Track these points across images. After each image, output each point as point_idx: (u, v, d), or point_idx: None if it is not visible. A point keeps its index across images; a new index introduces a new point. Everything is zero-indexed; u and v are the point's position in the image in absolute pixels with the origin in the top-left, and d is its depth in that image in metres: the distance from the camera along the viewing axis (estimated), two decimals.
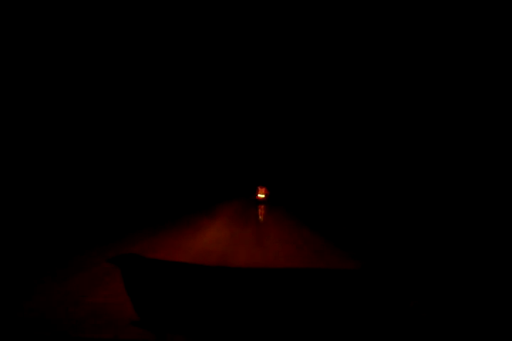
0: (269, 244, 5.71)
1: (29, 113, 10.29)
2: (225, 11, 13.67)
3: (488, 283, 3.59)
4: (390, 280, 3.44)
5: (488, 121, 6.60)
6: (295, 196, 18.57)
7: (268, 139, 28.13)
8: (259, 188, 10.46)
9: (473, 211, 6.41)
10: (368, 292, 3.06)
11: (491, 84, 6.56)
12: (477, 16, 6.75)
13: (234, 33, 15.12)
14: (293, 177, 22.95)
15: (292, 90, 19.45)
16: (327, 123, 15.89)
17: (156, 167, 17.46)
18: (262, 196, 10.38)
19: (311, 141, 19.04)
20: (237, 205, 12.93)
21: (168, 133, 19.20)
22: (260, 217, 9.62)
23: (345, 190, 13.12)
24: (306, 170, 20.48)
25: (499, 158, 6.33)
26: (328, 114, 15.59)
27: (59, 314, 2.77)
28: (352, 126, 13.03)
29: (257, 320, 2.48)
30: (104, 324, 2.58)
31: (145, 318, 2.54)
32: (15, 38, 9.87)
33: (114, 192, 12.69)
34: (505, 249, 4.79)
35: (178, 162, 20.74)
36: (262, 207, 10.49)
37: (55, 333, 2.39)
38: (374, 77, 11.41)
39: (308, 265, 4.32)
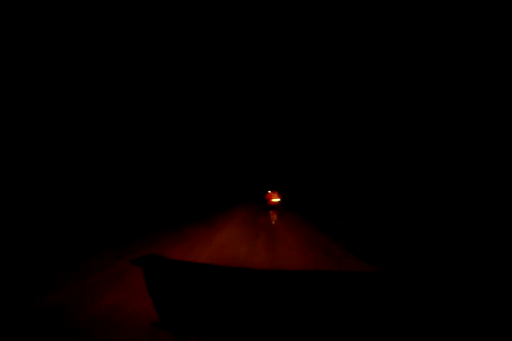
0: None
1: (29, 113, 10.32)
2: (225, 11, 13.78)
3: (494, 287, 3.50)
4: (409, 283, 3.54)
5: (488, 121, 6.54)
6: (307, 200, 18.33)
7: (277, 143, 28.13)
8: (271, 193, 10.16)
9: (475, 212, 6.25)
10: (389, 294, 3.17)
11: (491, 84, 6.52)
12: (477, 16, 6.75)
13: (234, 33, 15.21)
14: (303, 180, 22.75)
15: (298, 92, 19.47)
16: (334, 124, 15.79)
17: (166, 172, 17.60)
18: (276, 200, 10.12)
19: (319, 142, 18.91)
20: (246, 212, 12.91)
21: (178, 137, 19.35)
22: (273, 222, 9.38)
23: (354, 190, 13.03)
24: (314, 172, 20.31)
25: (499, 158, 6.26)
26: (335, 116, 15.51)
27: (76, 313, 2.75)
28: (359, 126, 12.92)
29: (278, 321, 2.56)
30: (119, 324, 2.54)
31: (166, 319, 2.53)
32: (15, 38, 9.95)
33: (118, 194, 12.81)
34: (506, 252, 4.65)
35: (186, 166, 20.88)
36: (274, 214, 10.16)
37: (68, 332, 2.39)
38: (374, 77, 11.32)
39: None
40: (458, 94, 7.44)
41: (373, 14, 10.37)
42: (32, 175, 9.66)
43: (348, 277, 3.74)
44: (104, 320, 2.59)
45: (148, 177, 16.09)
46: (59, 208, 9.58)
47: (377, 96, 11.28)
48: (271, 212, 10.14)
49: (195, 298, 2.98)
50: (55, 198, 9.90)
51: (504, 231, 5.15)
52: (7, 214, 7.73)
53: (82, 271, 4.00)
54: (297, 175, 23.84)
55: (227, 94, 22.29)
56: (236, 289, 3.27)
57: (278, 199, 9.91)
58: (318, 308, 2.78)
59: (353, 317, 2.64)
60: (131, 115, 14.54)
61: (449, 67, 7.74)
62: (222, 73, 19.98)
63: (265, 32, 14.88)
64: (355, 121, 13.17)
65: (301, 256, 4.75)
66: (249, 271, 3.93)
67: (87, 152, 12.08)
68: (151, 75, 16.18)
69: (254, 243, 5.93)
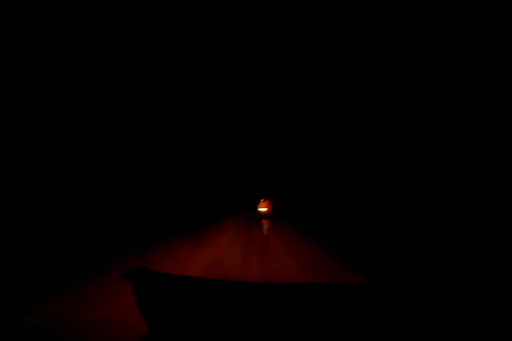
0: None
1: (29, 113, 10.15)
2: (225, 11, 13.79)
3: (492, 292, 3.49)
4: (401, 295, 3.53)
5: (488, 121, 6.56)
6: (300, 209, 17.91)
7: (270, 151, 28.06)
8: (262, 202, 10.18)
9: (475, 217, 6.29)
10: (379, 306, 3.16)
11: (491, 84, 6.56)
12: (477, 16, 6.78)
13: (234, 33, 15.33)
14: (296, 189, 22.51)
15: (293, 99, 19.66)
16: (332, 127, 15.69)
17: (157, 179, 17.23)
18: (265, 210, 10.11)
19: (315, 147, 18.87)
20: (238, 223, 11.96)
21: (168, 142, 19.12)
22: (265, 232, 9.31)
23: (349, 198, 12.90)
24: (308, 180, 20.15)
25: (499, 158, 6.25)
26: (333, 118, 15.44)
27: (68, 325, 2.68)
28: (358, 127, 12.92)
29: (270, 335, 2.53)
30: (112, 338, 2.48)
31: (156, 332, 2.48)
32: (14, 38, 9.87)
33: (110, 198, 12.41)
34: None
35: (178, 174, 20.52)
36: (266, 222, 10.15)
37: None
38: (374, 78, 11.24)
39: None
40: (458, 94, 7.49)
41: (373, 14, 10.50)
42: (26, 177, 9.35)
43: (342, 290, 3.71)
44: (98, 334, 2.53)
45: (142, 180, 15.71)
46: (47, 213, 9.22)
47: (376, 98, 11.23)
48: (263, 221, 10.15)
49: (185, 311, 2.95)
50: (44, 201, 9.55)
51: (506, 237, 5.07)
52: None
53: (59, 288, 3.80)
54: (293, 180, 23.59)
55: (228, 103, 22.42)
56: (227, 302, 3.25)
57: (266, 209, 9.92)
58: (312, 322, 2.78)
59: (347, 329, 2.64)
60: (127, 117, 14.37)
61: (449, 67, 7.82)
62: (222, 82, 20.07)
63: (265, 32, 15.09)
64: (353, 123, 13.08)
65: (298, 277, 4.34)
66: (240, 284, 3.88)
67: (83, 154, 11.82)
68: (151, 75, 16.13)
69: (246, 265, 5.16)
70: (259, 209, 10.04)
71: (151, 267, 4.71)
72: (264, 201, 10.00)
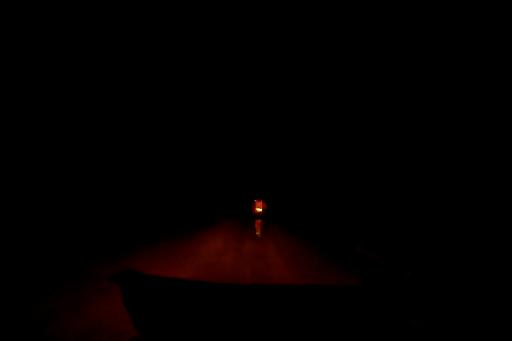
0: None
1: (28, 113, 10.04)
2: (225, 10, 13.56)
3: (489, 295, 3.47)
4: (391, 296, 3.59)
5: (488, 121, 6.47)
6: (293, 211, 17.37)
7: (264, 151, 27.58)
8: (256, 202, 10.52)
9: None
10: (370, 308, 3.19)
11: (491, 84, 6.46)
12: (477, 16, 6.67)
13: (234, 33, 14.92)
14: (291, 190, 22.10)
15: (293, 98, 19.28)
16: (330, 128, 15.25)
17: (150, 180, 17.23)
18: (259, 210, 10.46)
19: (309, 151, 18.65)
20: (229, 234, 9.62)
21: (163, 143, 18.98)
22: (257, 233, 9.67)
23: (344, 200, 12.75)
24: (303, 181, 19.78)
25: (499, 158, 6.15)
26: (331, 118, 15.02)
27: (61, 326, 2.70)
28: (352, 136, 12.72)
29: (258, 337, 2.56)
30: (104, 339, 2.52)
31: (144, 334, 2.55)
32: (14, 38, 9.77)
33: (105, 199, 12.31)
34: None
35: (172, 174, 20.44)
36: (259, 221, 10.40)
37: None
38: (373, 79, 11.05)
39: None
40: (458, 94, 7.35)
41: (373, 14, 10.43)
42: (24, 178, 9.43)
43: (334, 291, 3.71)
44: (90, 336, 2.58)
45: (139, 181, 15.81)
46: (43, 213, 9.29)
47: (376, 100, 11.03)
48: (256, 221, 10.43)
49: (173, 313, 2.97)
50: (42, 202, 9.65)
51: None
52: None
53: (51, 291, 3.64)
54: (289, 181, 22.95)
55: (223, 104, 22.21)
56: (216, 304, 3.25)
57: (261, 209, 10.24)
58: (304, 324, 2.79)
59: (341, 331, 2.67)
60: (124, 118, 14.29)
61: (448, 67, 7.69)
62: (219, 87, 19.82)
63: (265, 32, 14.72)
64: (352, 123, 12.74)
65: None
66: (231, 286, 3.88)
67: (81, 154, 11.70)
68: (151, 75, 15.91)
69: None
70: (255, 209, 10.29)
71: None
72: (258, 201, 10.35)
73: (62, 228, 8.90)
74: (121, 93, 14.15)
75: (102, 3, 11.67)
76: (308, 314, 3.01)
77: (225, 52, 16.44)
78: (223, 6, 13.14)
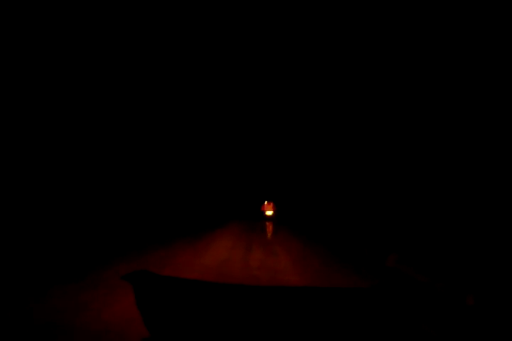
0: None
1: (28, 114, 10.08)
2: (225, 10, 13.59)
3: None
4: (400, 299, 3.43)
5: (488, 121, 6.41)
6: (307, 213, 16.00)
7: (274, 152, 27.18)
8: (266, 204, 9.93)
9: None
10: (378, 310, 3.11)
11: (491, 84, 6.42)
12: (477, 16, 6.68)
13: (234, 33, 14.99)
14: (304, 189, 21.44)
15: (297, 99, 19.12)
16: (332, 134, 15.29)
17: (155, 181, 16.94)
18: (270, 213, 9.86)
19: (317, 151, 18.26)
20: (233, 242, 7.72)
21: (167, 142, 18.84)
22: (268, 235, 9.07)
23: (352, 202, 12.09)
24: (313, 182, 19.17)
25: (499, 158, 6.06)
26: (334, 125, 15.07)
27: (74, 324, 2.67)
28: (359, 137, 12.50)
29: (267, 337, 2.53)
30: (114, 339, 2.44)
31: (156, 335, 2.52)
32: (14, 38, 9.84)
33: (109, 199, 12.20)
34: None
35: (177, 175, 20.16)
36: (270, 224, 9.91)
37: None
38: (372, 80, 11.03)
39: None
40: (458, 94, 7.31)
41: (373, 14, 10.33)
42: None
43: (341, 293, 3.68)
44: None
45: (146, 182, 15.51)
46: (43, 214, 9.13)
47: (375, 102, 10.97)
48: (267, 223, 10.00)
49: (185, 314, 2.96)
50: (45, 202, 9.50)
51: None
52: None
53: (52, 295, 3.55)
54: (302, 180, 22.11)
55: (230, 105, 21.99)
56: (227, 305, 3.24)
57: (272, 212, 9.69)
58: (312, 327, 2.77)
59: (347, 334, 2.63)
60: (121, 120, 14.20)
61: (448, 67, 7.66)
62: (224, 86, 19.62)
63: (265, 32, 14.69)
64: (354, 122, 12.77)
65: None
66: (242, 287, 3.83)
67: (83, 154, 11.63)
68: (151, 76, 15.85)
69: None
70: (266, 212, 9.82)
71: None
72: (268, 204, 9.75)
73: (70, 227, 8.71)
74: (122, 93, 14.24)
75: (102, 3, 11.59)
76: (319, 316, 2.97)
77: (225, 52, 16.22)
78: (223, 6, 12.93)
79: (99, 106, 12.77)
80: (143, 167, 15.66)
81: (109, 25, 12.35)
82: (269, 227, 9.92)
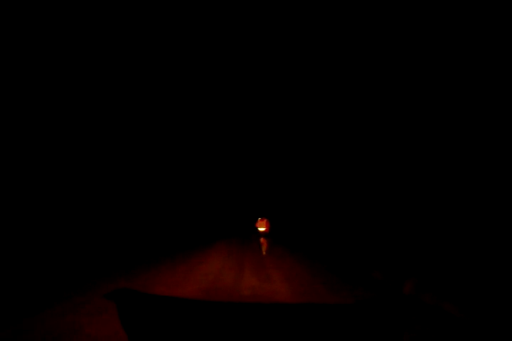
0: None
1: (27, 114, 10.03)
2: (225, 10, 13.73)
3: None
4: (385, 314, 3.36)
5: (488, 121, 6.35)
6: (304, 230, 15.11)
7: (267, 167, 26.62)
8: (260, 221, 9.34)
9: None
10: (363, 326, 3.02)
11: (491, 84, 6.39)
12: (477, 16, 6.71)
13: (234, 33, 15.14)
14: (301, 204, 20.54)
15: (292, 104, 19.06)
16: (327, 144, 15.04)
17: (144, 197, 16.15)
18: (262, 229, 9.27)
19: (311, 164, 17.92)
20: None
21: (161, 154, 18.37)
22: (263, 253, 8.39)
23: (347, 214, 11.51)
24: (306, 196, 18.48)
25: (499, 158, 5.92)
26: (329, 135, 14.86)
27: None
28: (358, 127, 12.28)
29: None
30: None
31: None
32: (14, 37, 9.90)
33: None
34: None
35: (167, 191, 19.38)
36: (264, 241, 9.33)
37: None
38: (372, 81, 11.01)
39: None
40: (458, 94, 7.26)
41: (373, 14, 10.44)
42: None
43: (331, 310, 3.56)
44: None
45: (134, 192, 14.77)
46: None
47: (375, 104, 10.82)
48: (261, 239, 9.46)
49: (171, 333, 2.90)
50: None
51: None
52: None
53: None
54: (298, 193, 21.28)
55: (224, 114, 21.86)
56: (217, 323, 3.17)
57: (264, 229, 9.13)
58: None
59: None
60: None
61: (448, 67, 7.65)
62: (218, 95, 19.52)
63: (265, 32, 15.01)
64: (354, 122, 12.54)
65: None
66: (232, 304, 3.73)
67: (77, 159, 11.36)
68: (151, 75, 15.79)
69: None
70: (259, 228, 9.27)
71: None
72: (262, 220, 9.16)
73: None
74: (123, 94, 14.44)
75: (102, 2, 11.67)
76: (312, 334, 2.88)
77: (226, 52, 16.27)
78: (223, 5, 13.12)
79: (96, 108, 12.66)
80: (134, 176, 15.10)
81: (109, 25, 12.44)
82: (263, 244, 9.34)
